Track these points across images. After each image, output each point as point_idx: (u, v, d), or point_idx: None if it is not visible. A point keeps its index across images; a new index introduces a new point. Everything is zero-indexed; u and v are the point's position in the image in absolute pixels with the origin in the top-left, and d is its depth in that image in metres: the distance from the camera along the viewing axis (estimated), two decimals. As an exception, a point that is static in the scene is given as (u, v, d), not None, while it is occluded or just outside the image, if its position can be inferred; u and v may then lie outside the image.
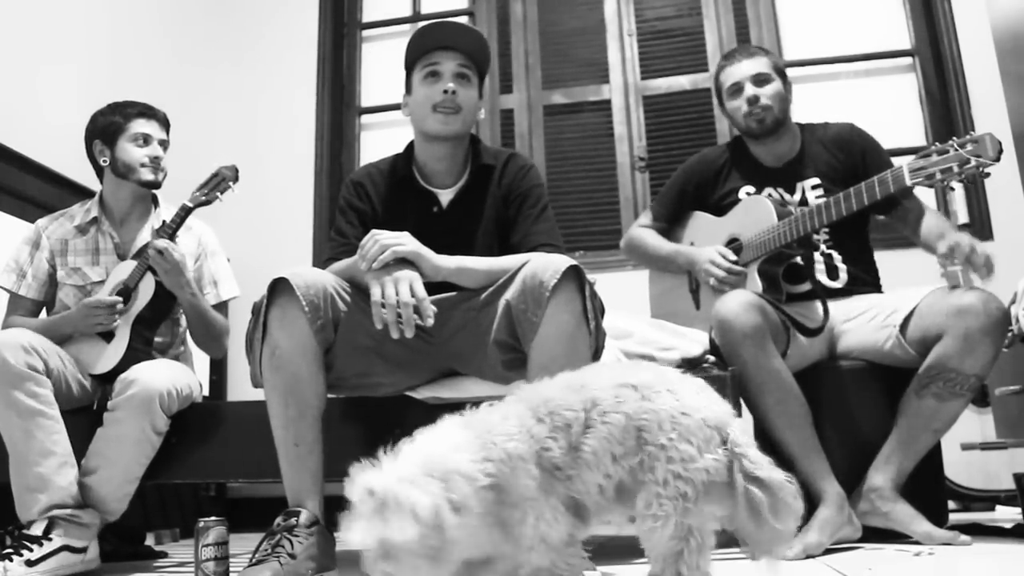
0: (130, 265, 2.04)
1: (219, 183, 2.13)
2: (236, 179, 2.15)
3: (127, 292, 2.00)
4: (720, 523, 0.98)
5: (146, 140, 2.12)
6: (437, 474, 0.91)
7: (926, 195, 1.84)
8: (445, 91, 1.76)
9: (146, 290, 2.02)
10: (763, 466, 0.96)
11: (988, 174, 1.69)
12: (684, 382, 1.02)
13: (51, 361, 1.83)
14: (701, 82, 3.51)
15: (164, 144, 2.17)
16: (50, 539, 1.67)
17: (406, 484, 0.90)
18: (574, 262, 1.55)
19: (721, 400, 1.02)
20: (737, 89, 2.18)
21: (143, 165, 2.11)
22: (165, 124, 2.19)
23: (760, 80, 2.16)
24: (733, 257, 2.09)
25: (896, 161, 1.82)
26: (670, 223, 2.35)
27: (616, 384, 0.99)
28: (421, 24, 1.86)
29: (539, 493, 0.94)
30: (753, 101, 2.14)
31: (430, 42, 1.81)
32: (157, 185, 2.15)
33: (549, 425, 0.96)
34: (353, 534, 0.90)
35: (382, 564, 0.89)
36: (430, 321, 1.54)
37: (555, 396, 0.99)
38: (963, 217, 3.05)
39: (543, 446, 0.95)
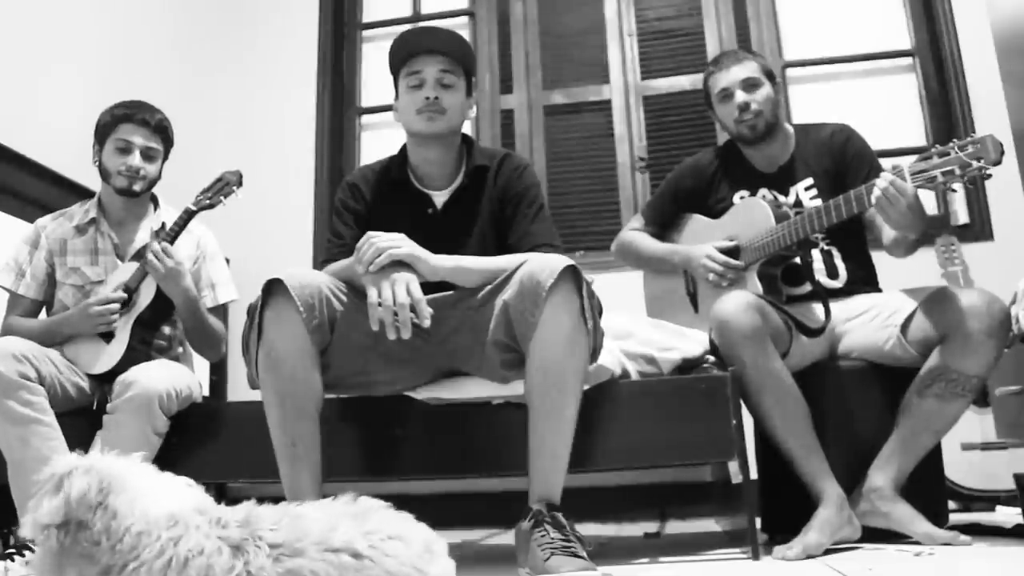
0: (132, 266, 2.04)
1: (223, 187, 2.13)
2: (240, 184, 2.16)
3: (129, 293, 2.00)
4: None
5: (127, 148, 2.09)
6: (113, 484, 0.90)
7: (926, 196, 1.83)
8: (427, 98, 1.77)
9: (147, 292, 2.02)
10: None
11: (990, 175, 1.68)
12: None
13: (43, 368, 1.83)
14: (701, 82, 3.47)
15: (151, 152, 2.12)
16: None
17: (78, 470, 0.89)
18: (571, 262, 1.55)
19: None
20: (727, 95, 2.16)
21: (119, 172, 2.09)
22: (158, 131, 2.14)
23: (750, 85, 2.14)
24: (727, 254, 2.09)
25: (896, 162, 1.80)
26: (661, 228, 2.34)
27: (347, 539, 1.03)
28: (401, 30, 1.86)
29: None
30: (744, 108, 2.12)
31: (410, 48, 1.82)
32: (132, 193, 2.11)
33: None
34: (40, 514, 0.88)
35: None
36: (427, 323, 1.54)
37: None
38: (963, 217, 3.04)
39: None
